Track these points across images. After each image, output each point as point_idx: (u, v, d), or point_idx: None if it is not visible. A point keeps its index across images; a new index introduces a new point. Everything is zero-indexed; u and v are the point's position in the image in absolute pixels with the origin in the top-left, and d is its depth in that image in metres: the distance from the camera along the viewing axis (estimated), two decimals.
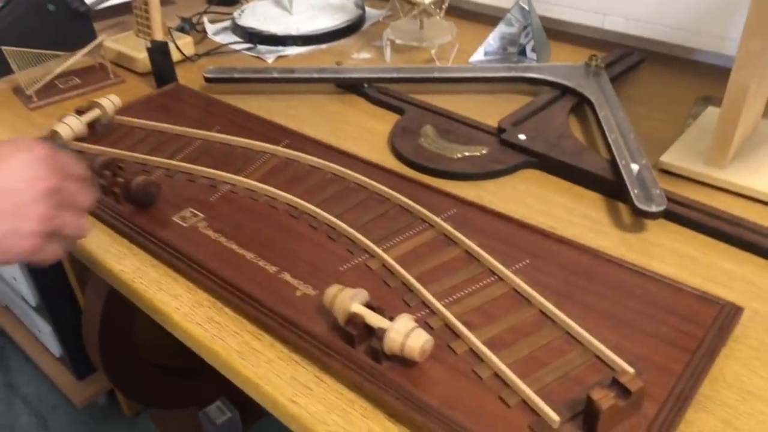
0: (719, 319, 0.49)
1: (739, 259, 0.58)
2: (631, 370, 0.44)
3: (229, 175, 0.68)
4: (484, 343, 0.48)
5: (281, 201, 0.65)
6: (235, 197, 0.66)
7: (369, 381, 0.47)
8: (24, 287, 1.17)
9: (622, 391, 0.41)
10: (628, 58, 0.91)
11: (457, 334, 0.50)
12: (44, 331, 1.24)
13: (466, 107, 0.82)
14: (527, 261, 0.56)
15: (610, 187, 0.66)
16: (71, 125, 0.74)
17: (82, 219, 0.50)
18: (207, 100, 0.85)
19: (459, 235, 0.58)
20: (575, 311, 0.50)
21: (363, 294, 0.50)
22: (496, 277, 0.55)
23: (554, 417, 0.42)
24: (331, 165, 0.69)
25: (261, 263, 0.57)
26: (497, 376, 0.46)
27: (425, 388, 0.46)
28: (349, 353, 0.48)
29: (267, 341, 0.52)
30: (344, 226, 0.60)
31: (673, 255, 0.59)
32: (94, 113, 0.77)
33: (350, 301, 0.49)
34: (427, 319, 0.51)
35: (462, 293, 0.53)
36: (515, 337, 0.49)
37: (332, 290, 0.50)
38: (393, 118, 0.82)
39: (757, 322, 0.52)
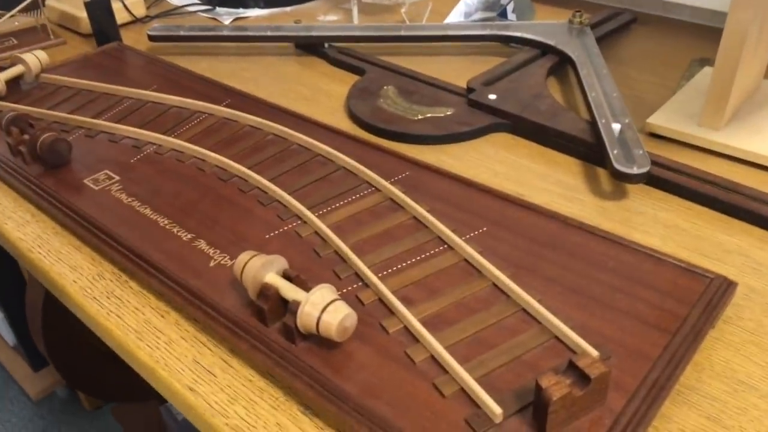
0: (707, 296, 0.41)
1: (734, 229, 0.50)
2: (594, 352, 0.36)
3: (155, 134, 0.60)
4: (422, 321, 0.40)
5: (210, 163, 0.57)
6: (158, 159, 0.58)
7: (280, 365, 0.38)
8: None
9: (580, 377, 0.33)
10: (618, 18, 0.82)
11: (391, 311, 0.41)
12: None
13: (435, 69, 0.74)
14: (484, 229, 0.48)
15: (588, 151, 0.58)
16: None
17: None
18: (148, 59, 0.77)
19: (407, 199, 0.50)
20: (535, 285, 0.42)
21: (279, 262, 0.42)
22: (445, 246, 0.46)
23: (496, 409, 0.34)
24: (273, 125, 0.61)
25: (175, 230, 0.49)
26: (433, 359, 0.38)
27: (346, 373, 0.38)
28: (261, 332, 0.40)
29: (172, 319, 0.44)
30: (276, 189, 0.52)
31: (657, 225, 0.51)
32: (16, 70, 0.69)
33: (262, 269, 0.41)
34: (358, 293, 0.43)
35: (403, 264, 0.45)
36: (461, 314, 0.41)
37: (243, 257, 0.42)
38: (353, 80, 0.74)
39: (754, 301, 0.43)
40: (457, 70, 0.73)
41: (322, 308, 0.38)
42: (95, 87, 0.69)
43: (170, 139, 0.59)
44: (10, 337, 1.19)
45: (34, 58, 0.69)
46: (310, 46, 0.81)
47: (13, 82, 0.69)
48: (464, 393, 0.36)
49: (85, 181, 0.55)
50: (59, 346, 0.94)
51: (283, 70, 0.78)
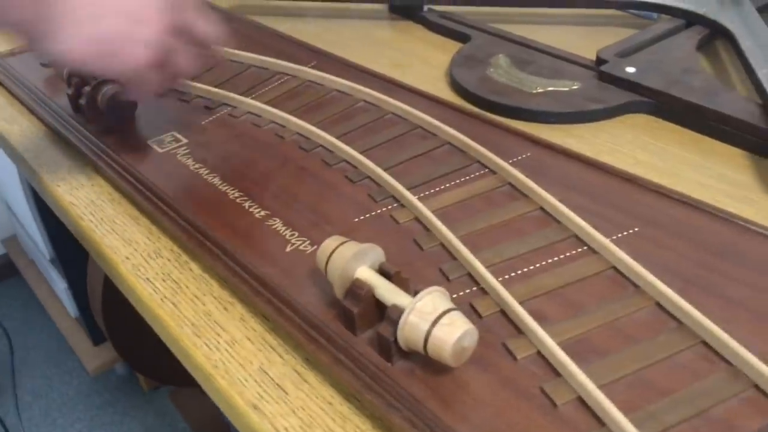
0: None
1: None
2: None
3: (230, 94, 0.52)
4: (562, 347, 0.29)
5: (291, 129, 0.48)
6: (233, 122, 0.50)
7: (373, 390, 0.29)
8: (39, 238, 1.06)
9: None
10: None
11: (519, 329, 0.31)
12: (60, 287, 1.14)
13: (550, 38, 0.62)
14: (635, 229, 0.37)
15: (761, 140, 0.46)
16: None
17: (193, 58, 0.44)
18: (226, 16, 0.70)
19: (533, 186, 0.40)
20: (713, 308, 0.31)
21: (375, 252, 0.32)
22: (586, 247, 0.36)
23: None
24: (364, 90, 0.51)
25: (247, 204, 0.41)
26: (582, 403, 0.28)
27: (460, 410, 0.28)
28: (348, 342, 0.31)
29: (236, 313, 0.36)
30: (368, 163, 0.43)
31: None
32: None
33: (354, 260, 0.31)
34: (473, 301, 0.33)
35: (531, 267, 0.35)
36: (615, 342, 0.30)
37: (329, 243, 0.33)
38: (455, 48, 0.63)
39: None
40: (580, 42, 0.62)
41: (434, 320, 0.28)
42: None
43: (247, 100, 0.51)
44: (72, 308, 1.16)
45: None
46: (406, 9, 0.71)
47: None
48: None
49: (149, 142, 0.48)
50: (119, 324, 0.89)
51: (374, 34, 0.69)
